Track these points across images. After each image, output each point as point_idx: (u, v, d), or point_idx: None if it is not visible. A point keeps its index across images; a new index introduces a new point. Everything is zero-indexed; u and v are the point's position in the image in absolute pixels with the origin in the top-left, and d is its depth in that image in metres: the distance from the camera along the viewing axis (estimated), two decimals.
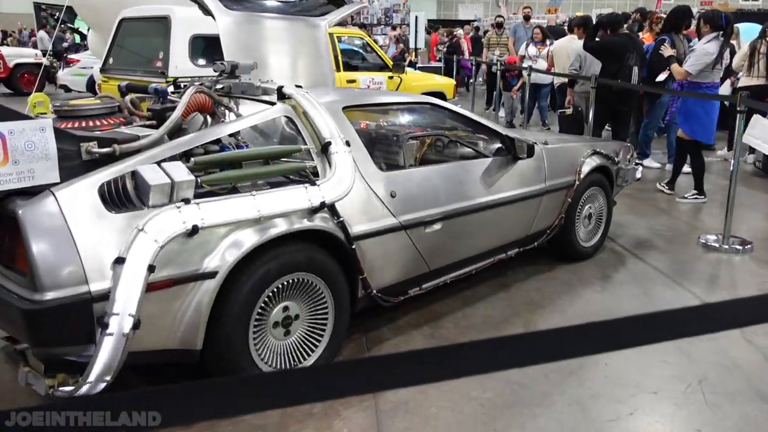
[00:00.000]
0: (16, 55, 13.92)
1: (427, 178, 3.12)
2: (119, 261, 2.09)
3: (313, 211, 2.57)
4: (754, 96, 4.62)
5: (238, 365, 2.42)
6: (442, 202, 3.12)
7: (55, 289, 2.02)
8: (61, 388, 2.17)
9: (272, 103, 2.88)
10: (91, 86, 12.50)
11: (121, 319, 2.06)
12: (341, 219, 2.66)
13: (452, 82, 9.35)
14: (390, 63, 8.20)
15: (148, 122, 2.76)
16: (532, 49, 9.27)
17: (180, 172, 2.28)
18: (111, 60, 6.80)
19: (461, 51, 15.36)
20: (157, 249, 2.13)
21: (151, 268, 2.11)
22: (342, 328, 2.77)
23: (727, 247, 4.57)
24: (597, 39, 6.60)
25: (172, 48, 6.09)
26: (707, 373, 2.86)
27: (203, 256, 2.29)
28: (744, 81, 7.22)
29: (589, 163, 4.10)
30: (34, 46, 16.85)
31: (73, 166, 2.26)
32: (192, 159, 2.38)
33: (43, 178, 2.19)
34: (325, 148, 2.72)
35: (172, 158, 2.39)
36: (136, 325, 2.08)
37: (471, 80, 12.54)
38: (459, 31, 16.34)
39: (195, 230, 2.23)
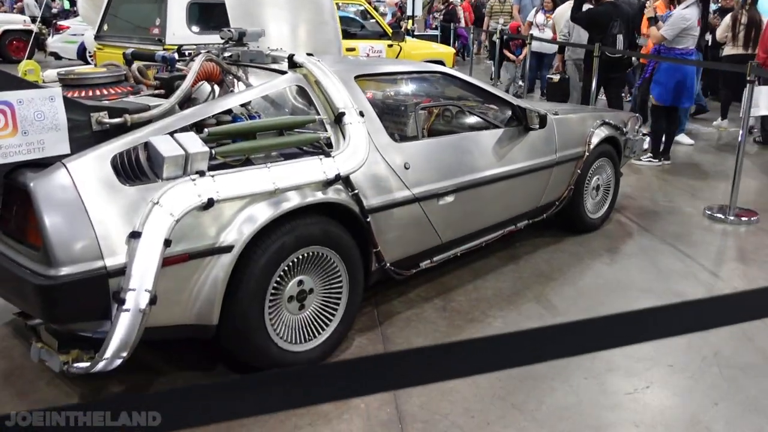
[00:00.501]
0: (5, 21, 13.59)
1: (440, 149, 3.06)
2: (135, 235, 2.04)
3: (328, 184, 2.51)
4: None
5: (254, 340, 2.39)
6: (454, 174, 3.07)
7: (69, 264, 1.97)
8: (75, 365, 2.13)
9: (283, 72, 2.80)
10: (82, 53, 12.27)
11: (137, 295, 2.02)
12: (356, 191, 2.60)
13: (451, 50, 9.23)
14: (389, 31, 8.07)
15: (156, 91, 2.68)
16: (541, 17, 9.07)
17: (194, 143, 2.22)
18: (105, 27, 6.64)
19: (458, 19, 15.17)
20: (172, 223, 2.08)
21: (167, 243, 2.06)
22: (356, 302, 2.74)
23: (732, 218, 4.55)
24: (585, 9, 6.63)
25: (169, 14, 5.95)
26: (721, 346, 2.85)
27: (218, 229, 2.24)
28: (728, 50, 7.25)
29: (599, 134, 4.05)
30: (21, 12, 16.48)
31: (83, 137, 2.19)
32: (206, 130, 2.31)
33: (53, 150, 2.12)
34: (338, 119, 2.66)
35: (183, 129, 2.32)
36: (152, 301, 2.04)
37: (474, 50, 12.38)
38: None
39: (210, 203, 2.18)
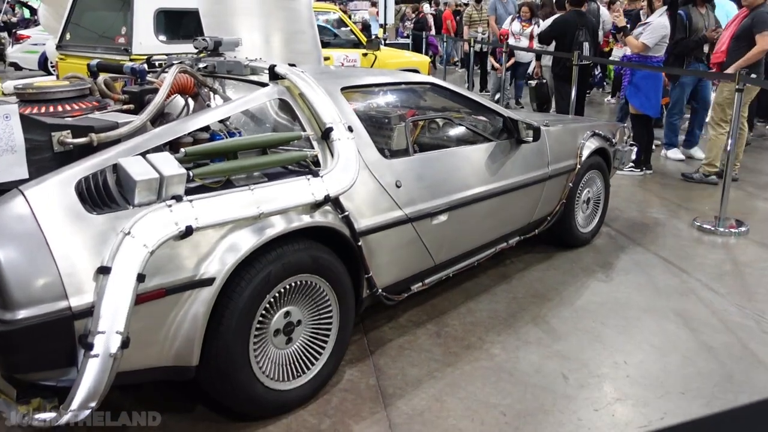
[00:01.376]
0: None
1: (432, 165, 2.88)
2: (103, 271, 1.80)
3: (316, 206, 2.31)
4: None
5: (238, 381, 2.16)
6: (448, 191, 2.89)
7: (29, 306, 1.73)
8: (37, 416, 1.88)
9: (264, 84, 2.59)
10: (43, 64, 11.85)
11: (107, 338, 1.78)
12: (346, 213, 2.40)
13: (426, 59, 9.07)
14: (364, 39, 7.89)
15: (125, 106, 2.45)
16: (516, 26, 8.97)
17: (169, 164, 1.99)
18: (68, 36, 6.34)
19: (428, 27, 15.12)
20: (146, 255, 1.85)
21: (140, 278, 1.83)
22: (347, 333, 2.53)
23: (722, 229, 4.46)
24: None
25: (136, 23, 5.69)
26: (732, 370, 2.71)
27: (198, 260, 2.01)
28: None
29: (589, 146, 3.91)
30: None
31: (43, 159, 1.96)
32: (182, 150, 2.09)
33: (8, 175, 1.89)
34: (326, 135, 2.45)
35: (157, 149, 2.10)
36: (124, 344, 1.81)
37: (456, 59, 12.26)
38: (426, 7, 16.04)
39: (189, 232, 1.95)
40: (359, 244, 2.46)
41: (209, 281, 2.02)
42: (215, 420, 2.32)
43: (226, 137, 2.32)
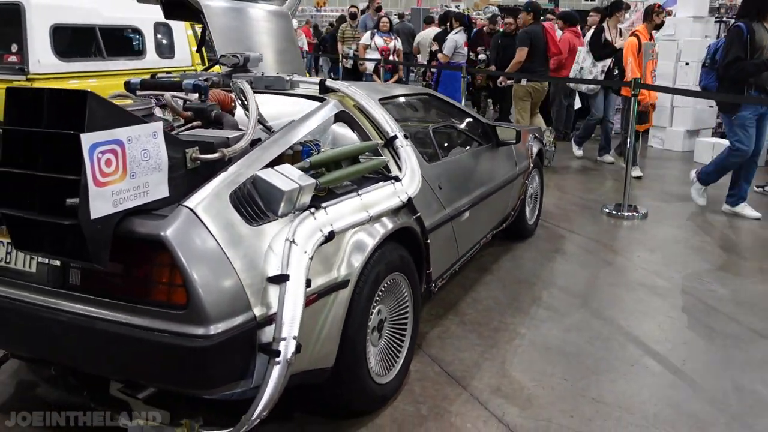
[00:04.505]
0: None
1: (455, 167, 3.15)
2: (281, 279, 1.85)
3: (400, 208, 2.48)
4: None
5: (361, 378, 2.27)
6: (468, 191, 3.19)
7: (221, 319, 1.74)
8: None
9: (317, 98, 2.69)
10: None
11: (287, 344, 1.84)
12: (418, 214, 2.60)
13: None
14: None
15: (194, 123, 2.42)
16: (379, 40, 9.27)
17: (299, 175, 2.07)
18: None
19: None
20: (308, 261, 1.93)
21: (308, 283, 1.91)
22: (417, 326, 2.71)
23: (627, 214, 5.20)
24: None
25: (30, 40, 5.24)
26: (711, 324, 3.28)
27: (333, 264, 2.11)
28: None
29: (534, 148, 4.40)
30: None
31: (178, 176, 1.93)
32: (307, 160, 2.17)
33: (155, 193, 1.85)
34: (390, 143, 2.63)
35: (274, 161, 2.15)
36: (298, 349, 1.87)
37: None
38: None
39: (331, 236, 2.06)
40: (428, 241, 2.66)
41: (345, 283, 2.13)
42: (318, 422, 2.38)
43: (314, 149, 2.41)
